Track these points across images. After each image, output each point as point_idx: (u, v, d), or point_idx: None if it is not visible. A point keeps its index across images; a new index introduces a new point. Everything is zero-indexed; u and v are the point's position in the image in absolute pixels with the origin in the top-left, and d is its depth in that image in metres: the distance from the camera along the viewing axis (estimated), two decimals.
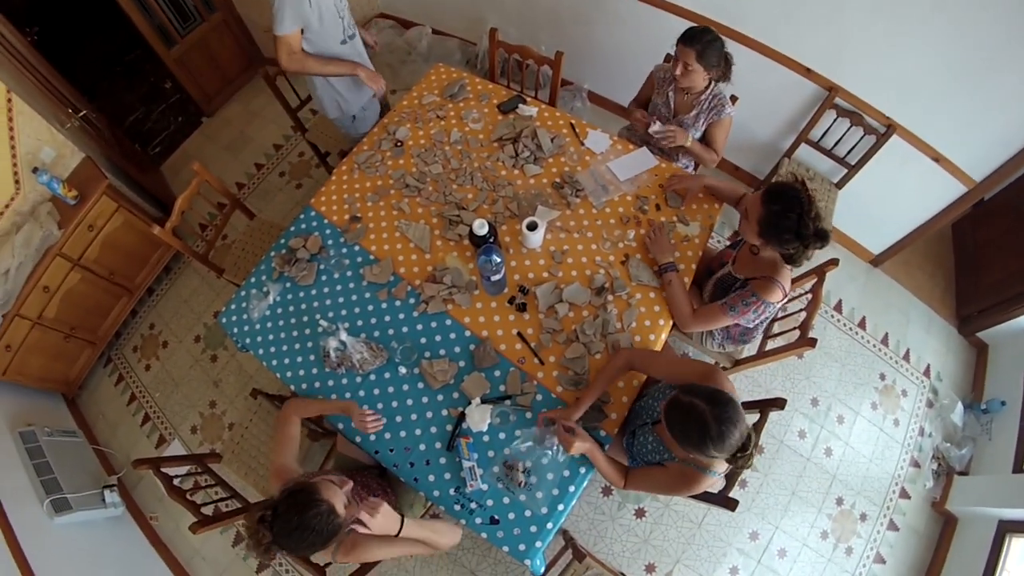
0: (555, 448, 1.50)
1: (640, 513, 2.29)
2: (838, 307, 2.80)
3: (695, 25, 1.79)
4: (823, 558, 2.29)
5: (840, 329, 2.75)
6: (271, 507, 1.12)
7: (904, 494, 2.45)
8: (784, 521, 2.32)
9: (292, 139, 3.33)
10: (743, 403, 1.71)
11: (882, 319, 2.79)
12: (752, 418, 1.67)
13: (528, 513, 1.47)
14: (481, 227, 1.62)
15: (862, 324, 2.76)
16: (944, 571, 2.28)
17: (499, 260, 1.56)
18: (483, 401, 1.59)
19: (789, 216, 1.39)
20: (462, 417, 1.58)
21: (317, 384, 1.70)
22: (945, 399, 2.64)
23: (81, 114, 2.55)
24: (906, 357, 2.71)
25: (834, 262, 1.87)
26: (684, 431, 1.18)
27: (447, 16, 3.39)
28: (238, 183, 3.20)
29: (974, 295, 2.78)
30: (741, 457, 1.18)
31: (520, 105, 2.07)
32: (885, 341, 2.73)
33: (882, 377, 2.64)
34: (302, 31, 1.84)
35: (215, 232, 2.33)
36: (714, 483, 1.32)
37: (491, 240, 1.65)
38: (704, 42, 1.73)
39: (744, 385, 2.55)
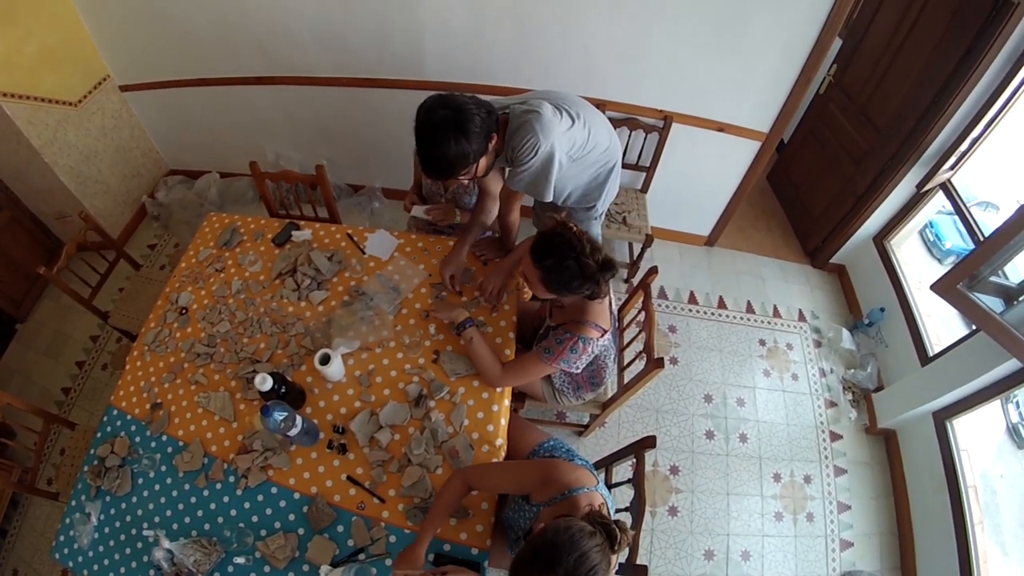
0: None
1: None
2: (692, 299, 2.81)
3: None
4: (788, 537, 2.21)
5: (702, 319, 2.75)
6: None
7: (835, 437, 2.44)
8: (732, 525, 2.22)
9: (106, 327, 3.03)
10: (615, 452, 1.63)
11: (739, 291, 2.83)
12: (629, 462, 1.59)
13: None
14: (263, 382, 1.47)
15: (721, 304, 2.79)
16: (908, 481, 2.28)
17: (283, 415, 1.42)
18: (335, 564, 1.41)
19: (567, 265, 1.34)
20: None
21: None
22: (829, 332, 2.69)
23: None
24: (776, 314, 2.75)
25: (654, 270, 1.83)
26: None
27: (229, 156, 3.26)
28: (64, 388, 2.88)
29: (812, 229, 2.91)
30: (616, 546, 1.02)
31: (293, 232, 1.97)
32: (750, 309, 2.77)
33: (762, 343, 2.66)
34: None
35: (36, 456, 2.07)
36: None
37: (281, 392, 1.51)
38: None
39: (630, 413, 2.45)
